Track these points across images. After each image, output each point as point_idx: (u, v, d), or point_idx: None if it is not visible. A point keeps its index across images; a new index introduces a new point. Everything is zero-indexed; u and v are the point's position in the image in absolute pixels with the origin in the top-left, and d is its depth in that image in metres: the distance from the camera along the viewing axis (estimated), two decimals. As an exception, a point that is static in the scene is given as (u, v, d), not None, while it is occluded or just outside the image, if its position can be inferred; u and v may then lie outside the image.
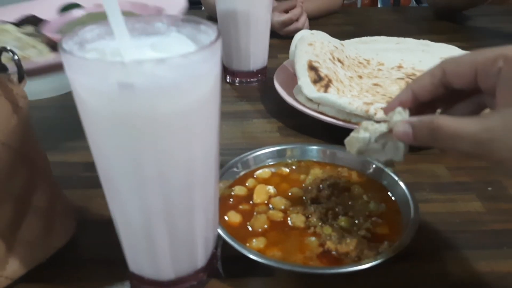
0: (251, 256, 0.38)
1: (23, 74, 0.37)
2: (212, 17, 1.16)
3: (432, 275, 0.40)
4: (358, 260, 0.39)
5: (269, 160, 0.52)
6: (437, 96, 0.37)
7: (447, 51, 0.81)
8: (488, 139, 0.31)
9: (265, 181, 0.49)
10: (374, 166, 0.49)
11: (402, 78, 0.72)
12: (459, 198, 0.50)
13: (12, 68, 0.36)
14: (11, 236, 0.38)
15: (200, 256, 0.37)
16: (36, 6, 0.71)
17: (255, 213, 0.44)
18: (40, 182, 0.39)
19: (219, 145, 0.35)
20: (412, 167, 0.55)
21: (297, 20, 1.02)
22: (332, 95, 0.61)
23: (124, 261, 0.38)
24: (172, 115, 0.29)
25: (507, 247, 0.43)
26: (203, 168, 0.33)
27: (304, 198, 0.47)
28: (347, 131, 0.58)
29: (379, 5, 1.90)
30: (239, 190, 0.48)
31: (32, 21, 0.66)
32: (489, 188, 0.52)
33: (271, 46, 0.83)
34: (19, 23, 0.65)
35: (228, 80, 0.83)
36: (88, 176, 0.52)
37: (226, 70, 0.82)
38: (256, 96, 0.76)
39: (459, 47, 0.82)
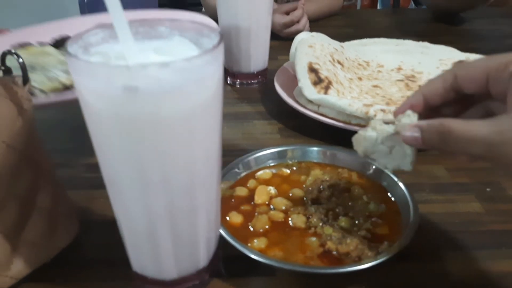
0: (253, 256, 0.38)
1: (27, 77, 0.37)
2: (213, 19, 1.16)
3: (432, 275, 0.41)
4: (358, 260, 0.39)
5: (270, 161, 0.53)
6: (447, 101, 0.37)
7: (446, 53, 0.81)
8: (500, 141, 0.30)
9: (266, 182, 0.50)
10: (374, 167, 0.50)
11: (402, 80, 0.73)
12: (459, 198, 0.51)
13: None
14: (16, 236, 0.38)
15: (202, 256, 0.38)
16: (67, 26, 0.70)
17: (256, 214, 0.45)
18: (44, 183, 0.40)
19: (221, 146, 0.35)
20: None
21: (298, 21, 1.02)
22: (332, 97, 0.62)
23: (127, 261, 0.38)
24: (175, 117, 0.29)
25: (505, 247, 0.44)
26: (206, 169, 0.33)
27: (304, 198, 0.47)
28: (347, 133, 0.59)
29: (378, 7, 1.91)
30: (240, 191, 0.48)
31: None
32: (488, 189, 0.52)
33: (271, 47, 0.84)
34: (57, 45, 0.65)
35: (229, 82, 0.83)
36: (91, 177, 0.53)
37: (226, 72, 0.83)
38: (256, 98, 0.77)
39: (458, 49, 0.83)
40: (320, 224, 0.43)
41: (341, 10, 1.28)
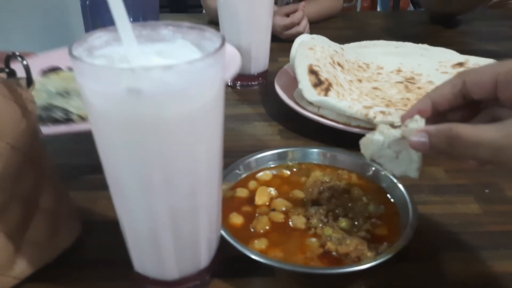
0: (253, 257, 0.39)
1: (31, 79, 0.38)
2: (213, 21, 1.17)
3: (430, 275, 0.41)
4: (358, 261, 0.40)
5: (271, 162, 0.53)
6: (455, 107, 0.38)
7: (445, 55, 0.82)
8: (508, 145, 0.30)
9: (267, 183, 0.50)
10: (373, 168, 0.50)
11: (401, 82, 0.73)
12: (457, 200, 0.51)
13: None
14: (19, 237, 0.38)
15: (203, 257, 0.38)
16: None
17: (257, 215, 0.45)
18: (46, 184, 0.40)
19: (223, 148, 0.36)
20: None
21: (298, 24, 1.03)
22: (332, 99, 0.62)
23: (129, 261, 0.38)
24: (178, 119, 0.30)
25: (503, 248, 0.44)
26: (208, 171, 0.34)
27: (305, 200, 0.47)
28: (347, 134, 0.60)
29: (378, 9, 1.91)
30: (241, 192, 0.48)
31: None
32: (487, 190, 0.52)
33: (271, 49, 0.84)
34: None
35: (229, 84, 0.84)
36: (93, 178, 0.53)
37: (227, 74, 0.83)
38: (257, 99, 0.77)
39: (457, 51, 0.83)
40: (320, 225, 0.44)
41: (341, 12, 1.29)
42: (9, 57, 0.36)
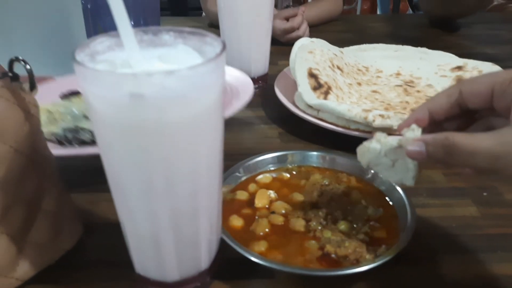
0: (253, 259, 0.39)
1: (34, 83, 0.38)
2: (213, 24, 1.18)
3: (428, 277, 0.42)
4: (357, 263, 0.40)
5: (270, 165, 0.53)
6: (451, 116, 0.38)
7: (444, 58, 0.82)
8: (504, 153, 0.31)
9: (266, 186, 0.50)
10: (372, 172, 0.51)
11: (400, 85, 0.74)
12: (455, 203, 0.51)
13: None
14: (22, 238, 0.39)
15: (204, 259, 0.38)
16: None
17: (256, 217, 0.46)
18: (49, 186, 0.41)
19: (223, 151, 0.36)
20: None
21: (298, 28, 1.03)
22: (331, 102, 0.63)
23: (130, 263, 0.39)
24: (179, 123, 0.30)
25: (501, 250, 0.44)
26: (208, 174, 0.34)
27: (304, 202, 0.48)
28: (347, 138, 0.60)
29: (378, 12, 1.92)
30: (241, 195, 0.49)
31: None
32: (485, 194, 0.53)
33: (271, 53, 0.84)
34: None
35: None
36: (94, 181, 0.53)
37: (227, 77, 0.84)
38: (257, 102, 0.78)
39: (456, 54, 0.84)
40: (319, 227, 0.44)
41: (341, 15, 1.29)
42: (12, 61, 0.37)
